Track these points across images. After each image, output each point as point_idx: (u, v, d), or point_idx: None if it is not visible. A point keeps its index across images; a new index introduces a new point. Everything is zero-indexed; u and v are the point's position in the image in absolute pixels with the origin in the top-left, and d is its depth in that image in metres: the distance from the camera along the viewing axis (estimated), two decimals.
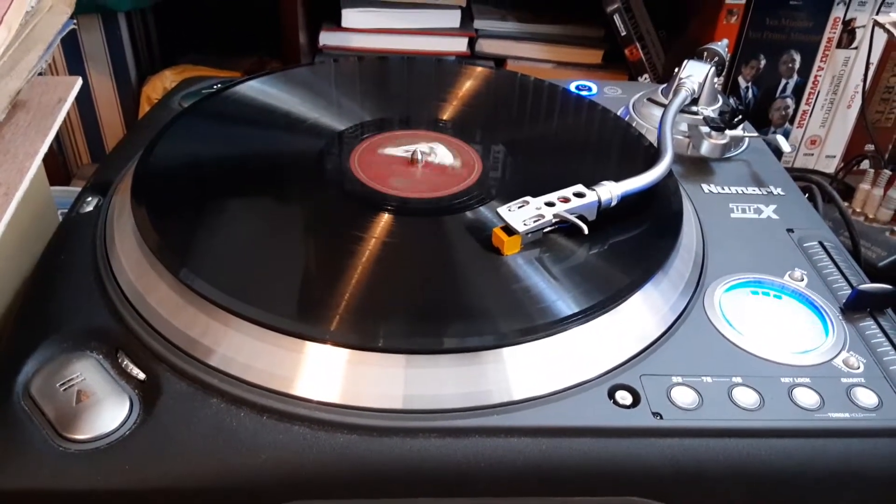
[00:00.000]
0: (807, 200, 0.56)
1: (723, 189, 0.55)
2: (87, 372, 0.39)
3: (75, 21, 0.54)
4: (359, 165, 0.51)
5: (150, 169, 0.49)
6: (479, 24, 0.97)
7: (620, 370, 0.40)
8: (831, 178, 0.81)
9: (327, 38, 0.94)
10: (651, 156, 0.52)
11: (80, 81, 0.51)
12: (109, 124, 0.92)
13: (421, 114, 0.58)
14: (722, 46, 0.62)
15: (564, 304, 0.41)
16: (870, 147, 0.89)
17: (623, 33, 0.92)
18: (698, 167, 0.57)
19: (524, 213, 0.44)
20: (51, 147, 0.46)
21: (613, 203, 0.46)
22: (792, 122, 0.94)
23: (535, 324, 0.40)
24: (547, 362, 0.39)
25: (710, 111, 0.60)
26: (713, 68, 0.60)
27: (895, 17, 0.73)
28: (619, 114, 0.62)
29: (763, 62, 0.89)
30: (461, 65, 0.68)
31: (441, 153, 0.52)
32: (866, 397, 0.40)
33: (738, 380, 0.40)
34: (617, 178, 0.47)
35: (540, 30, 0.97)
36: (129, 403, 0.37)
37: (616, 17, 0.91)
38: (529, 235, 0.44)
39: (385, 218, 0.46)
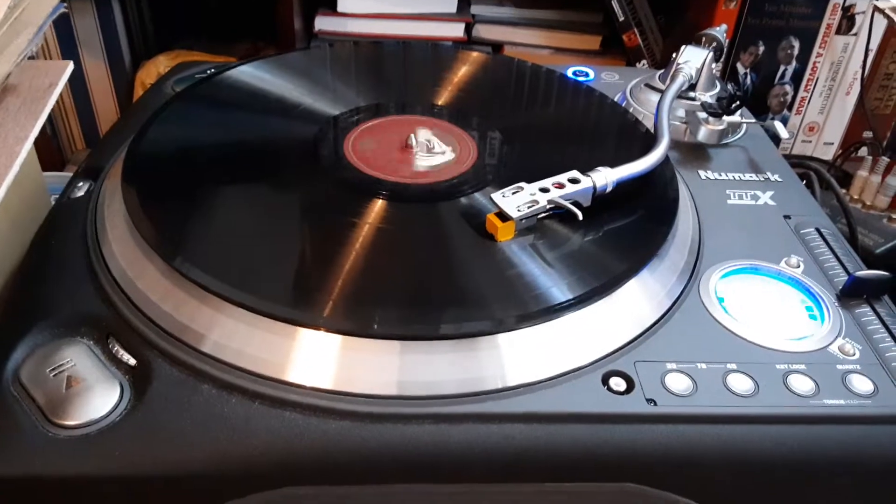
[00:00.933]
0: (804, 187, 0.55)
1: (720, 175, 0.55)
2: (77, 358, 0.38)
3: (66, 4, 0.53)
4: (353, 151, 0.50)
5: (141, 154, 0.49)
6: (475, 9, 0.96)
7: (615, 356, 0.40)
8: (829, 165, 0.80)
9: (323, 23, 0.93)
10: (648, 142, 0.52)
11: (71, 66, 0.51)
12: (103, 110, 0.91)
13: (417, 99, 0.58)
14: (720, 32, 0.62)
15: (559, 291, 0.41)
16: (868, 134, 0.89)
17: (621, 19, 0.91)
18: (695, 153, 0.57)
19: (518, 199, 0.44)
20: (44, 132, 0.46)
21: (609, 189, 0.46)
22: (790, 108, 0.93)
23: (530, 310, 0.40)
24: (541, 348, 0.39)
25: (708, 97, 0.59)
26: (711, 54, 0.60)
27: (895, 3, 0.73)
28: (616, 100, 0.61)
29: (762, 48, 0.89)
30: (458, 50, 0.67)
31: (436, 138, 0.52)
32: (862, 384, 0.39)
33: (733, 366, 0.40)
34: (613, 164, 0.47)
35: (537, 15, 0.97)
36: (119, 389, 0.37)
37: (614, 3, 0.90)
38: (524, 221, 0.44)
39: (379, 204, 0.46)
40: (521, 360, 0.39)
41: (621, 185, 0.47)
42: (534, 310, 0.40)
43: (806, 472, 0.39)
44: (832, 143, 0.96)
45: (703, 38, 0.61)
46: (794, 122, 0.94)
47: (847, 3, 0.86)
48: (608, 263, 0.43)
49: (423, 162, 0.50)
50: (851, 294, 0.45)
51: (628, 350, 0.40)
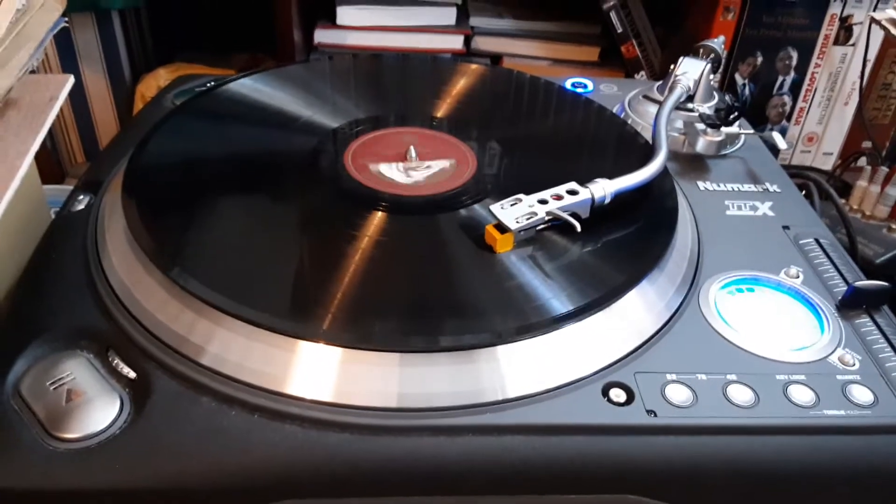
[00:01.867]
0: (803, 198, 0.55)
1: (718, 186, 0.55)
2: (77, 371, 0.38)
3: (67, 19, 0.53)
4: (352, 163, 0.51)
5: (141, 167, 0.49)
6: (474, 21, 0.96)
7: (614, 368, 0.40)
8: (828, 175, 0.81)
9: (322, 36, 0.94)
10: (646, 153, 0.52)
11: (71, 80, 0.51)
12: (103, 123, 0.91)
13: (416, 111, 0.58)
14: (718, 43, 0.62)
15: (558, 302, 0.41)
16: (867, 144, 0.89)
17: (619, 30, 0.92)
18: (694, 164, 0.57)
19: (517, 211, 0.44)
20: (44, 146, 0.46)
21: (607, 200, 0.46)
22: (789, 119, 0.94)
23: (530, 322, 0.40)
24: (541, 360, 0.39)
25: (706, 108, 0.59)
26: (709, 65, 0.60)
27: (892, 14, 0.73)
28: (614, 111, 0.61)
29: (760, 59, 0.89)
30: (457, 62, 0.68)
31: (435, 151, 0.52)
32: (862, 394, 0.39)
33: (733, 377, 0.40)
34: (612, 176, 0.47)
35: (536, 27, 0.97)
36: (119, 402, 0.37)
37: (612, 14, 0.91)
38: (522, 233, 0.44)
39: (378, 216, 0.46)
40: (521, 371, 0.39)
41: (620, 197, 0.47)
42: (533, 321, 0.40)
43: (806, 483, 0.38)
44: (831, 154, 0.96)
45: (702, 50, 0.62)
46: (792, 132, 0.94)
47: (845, 14, 0.86)
48: (607, 275, 0.43)
49: (418, 174, 0.50)
50: (851, 304, 0.45)
51: (628, 361, 0.40)
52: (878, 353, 0.42)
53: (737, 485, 0.38)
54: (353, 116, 0.56)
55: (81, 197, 0.50)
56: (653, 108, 0.60)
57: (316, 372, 0.38)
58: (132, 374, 0.39)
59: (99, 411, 0.37)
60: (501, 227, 0.44)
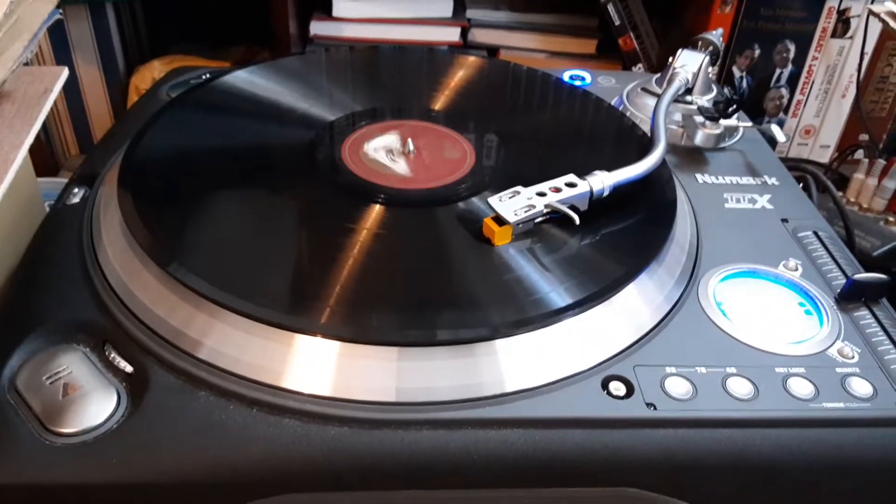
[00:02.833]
0: (801, 190, 0.55)
1: (717, 179, 0.55)
2: (73, 365, 0.38)
3: (61, 10, 0.53)
4: (349, 156, 0.50)
5: (136, 160, 0.48)
6: (471, 13, 0.96)
7: (614, 361, 0.40)
8: (826, 168, 0.81)
9: (318, 28, 0.93)
10: (645, 146, 0.52)
11: (66, 72, 0.50)
12: (98, 115, 0.91)
13: (413, 104, 0.57)
14: (716, 36, 0.62)
15: (558, 296, 0.41)
16: (864, 137, 0.89)
17: (617, 23, 0.91)
18: (692, 157, 0.57)
19: (515, 203, 0.44)
20: (38, 138, 0.45)
21: (606, 193, 0.46)
22: (786, 111, 0.94)
23: (529, 315, 0.40)
24: (540, 354, 0.39)
25: (705, 101, 0.59)
26: (707, 58, 0.60)
27: (890, 7, 0.73)
28: (612, 104, 0.61)
29: (757, 52, 0.89)
30: (453, 54, 0.67)
31: (433, 143, 0.52)
32: (861, 387, 0.39)
33: (733, 370, 0.40)
34: (610, 168, 0.47)
35: (533, 19, 0.97)
36: (116, 396, 0.37)
37: (610, 7, 0.90)
38: (521, 226, 0.44)
39: (376, 209, 0.46)
40: (520, 365, 0.39)
41: (619, 190, 0.47)
42: (532, 315, 0.40)
43: (805, 476, 0.39)
44: (828, 146, 0.96)
45: (700, 42, 0.61)
46: (790, 125, 0.94)
47: (842, 7, 0.86)
48: (607, 268, 0.43)
49: (419, 167, 0.50)
50: (850, 297, 0.45)
51: (628, 354, 0.40)
52: (877, 346, 0.42)
53: (736, 477, 0.38)
54: (350, 109, 0.55)
55: (76, 190, 0.50)
56: (651, 101, 0.60)
57: (314, 366, 0.38)
58: (129, 368, 0.38)
59: (96, 405, 0.36)
60: (500, 220, 0.43)
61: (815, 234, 0.50)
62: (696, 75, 0.59)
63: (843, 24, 0.88)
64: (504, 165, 0.52)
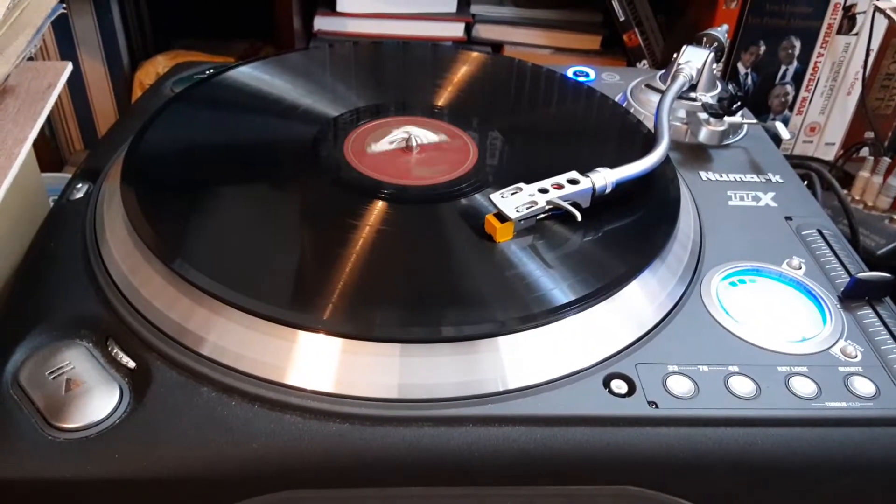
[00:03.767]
0: (805, 188, 0.55)
1: (721, 176, 0.55)
2: (76, 360, 0.38)
3: (65, 5, 0.53)
4: (353, 152, 0.50)
5: (140, 155, 0.48)
6: (475, 8, 0.96)
7: (616, 359, 0.40)
8: (830, 166, 0.80)
9: (322, 23, 0.93)
10: (648, 143, 0.51)
11: (70, 67, 0.51)
12: (102, 110, 0.91)
13: (416, 100, 0.57)
14: (721, 32, 0.61)
15: (560, 293, 0.41)
16: (869, 134, 0.88)
17: (621, 19, 0.91)
18: (696, 154, 0.57)
19: (517, 200, 0.44)
20: (42, 133, 0.45)
21: (608, 190, 0.46)
22: (791, 108, 0.93)
23: (531, 312, 0.39)
24: (542, 351, 0.39)
25: (709, 97, 0.59)
26: (712, 54, 0.59)
27: (895, 3, 0.73)
28: (616, 100, 0.61)
29: (763, 48, 0.88)
30: (457, 50, 0.67)
31: (435, 140, 0.52)
32: (864, 386, 0.39)
33: (735, 368, 0.40)
34: (614, 165, 0.47)
35: (537, 15, 0.96)
36: (118, 392, 0.37)
37: (614, 3, 0.90)
38: (522, 222, 0.44)
39: (378, 205, 0.46)
40: (522, 362, 0.39)
41: (622, 186, 0.46)
42: (534, 312, 0.40)
43: (808, 475, 0.38)
44: (833, 144, 0.96)
45: (704, 39, 0.61)
46: (795, 122, 0.94)
47: (848, 3, 0.86)
48: (609, 265, 0.43)
49: (423, 163, 0.50)
50: (853, 296, 0.44)
51: (629, 352, 0.40)
52: (881, 345, 0.42)
53: (738, 476, 0.38)
54: (354, 105, 0.55)
55: (80, 185, 0.50)
56: (655, 98, 0.59)
57: (316, 362, 0.38)
58: (132, 364, 0.38)
59: (98, 401, 0.36)
60: (501, 217, 0.43)
61: (819, 232, 0.50)
62: (700, 72, 0.59)
63: (848, 21, 0.87)
64: (507, 162, 0.52)
